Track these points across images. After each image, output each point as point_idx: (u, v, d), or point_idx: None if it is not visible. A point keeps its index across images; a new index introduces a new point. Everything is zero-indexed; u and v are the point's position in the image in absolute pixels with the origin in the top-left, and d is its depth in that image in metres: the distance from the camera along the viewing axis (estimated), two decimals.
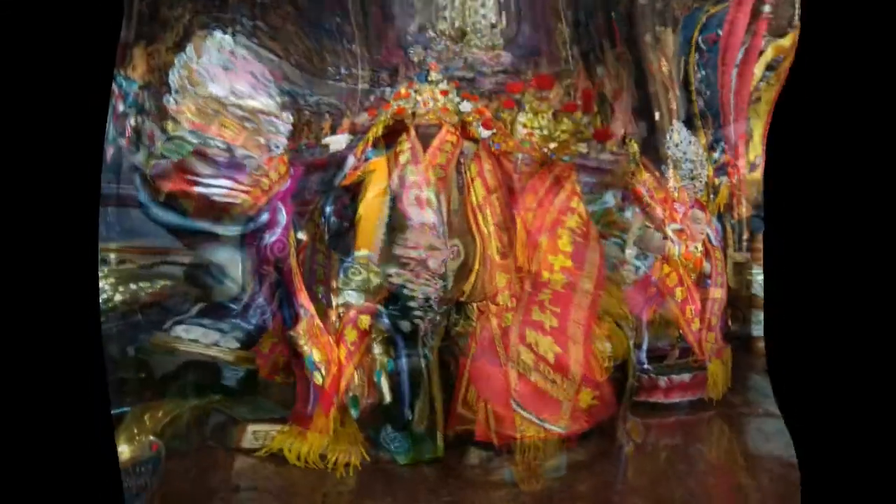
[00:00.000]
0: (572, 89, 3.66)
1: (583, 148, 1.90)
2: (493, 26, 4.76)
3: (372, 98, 4.59)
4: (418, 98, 2.71)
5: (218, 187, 2.27)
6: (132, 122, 2.22)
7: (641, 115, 3.94)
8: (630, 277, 2.37)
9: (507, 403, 1.68)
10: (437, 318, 1.86)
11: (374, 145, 2.91)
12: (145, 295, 2.11)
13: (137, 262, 2.14)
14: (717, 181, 3.20)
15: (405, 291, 1.97)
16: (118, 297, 2.11)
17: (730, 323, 2.98)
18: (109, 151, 1.99)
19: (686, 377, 2.38)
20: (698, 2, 3.51)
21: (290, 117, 2.47)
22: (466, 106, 2.79)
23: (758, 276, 2.66)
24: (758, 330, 2.67)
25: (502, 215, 1.86)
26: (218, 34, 2.29)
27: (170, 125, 2.36)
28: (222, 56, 2.27)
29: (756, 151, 3.10)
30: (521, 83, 1.92)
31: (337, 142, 3.73)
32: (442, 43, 4.72)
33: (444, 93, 2.73)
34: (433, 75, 2.76)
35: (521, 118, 1.85)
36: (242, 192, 2.31)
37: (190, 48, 2.25)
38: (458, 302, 1.91)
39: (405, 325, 1.93)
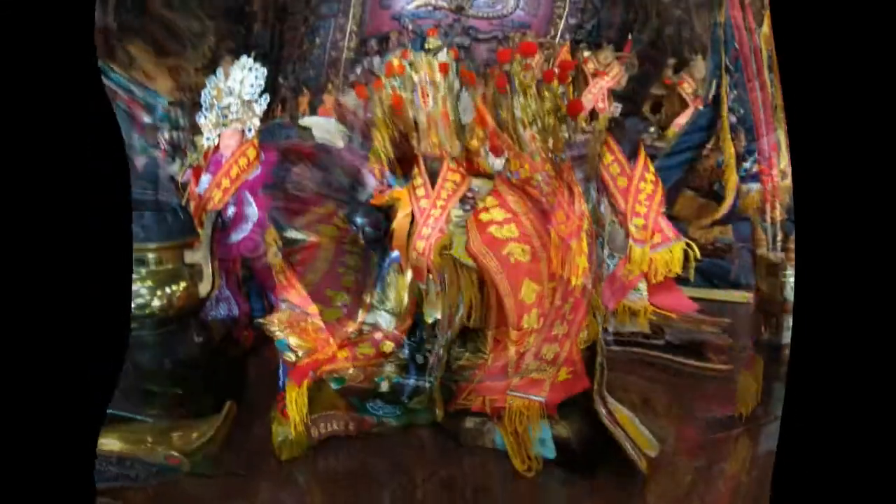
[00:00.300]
0: (552, 58, 3.54)
1: (565, 132, 1.80)
2: (491, 7, 4.76)
3: (358, 70, 4.37)
4: (414, 76, 2.39)
5: (202, 184, 2.31)
6: (166, 135, 2.38)
7: (622, 100, 3.79)
8: (605, 274, 2.32)
9: (504, 394, 1.71)
10: (441, 350, 1.80)
11: (393, 172, 2.90)
12: (176, 299, 2.09)
13: (172, 262, 2.13)
14: (744, 188, 3.07)
15: (418, 316, 1.95)
16: (156, 303, 2.08)
17: (763, 330, 2.72)
18: (140, 161, 2.11)
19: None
20: (712, 16, 3.42)
21: (268, 98, 2.42)
22: (467, 116, 2.45)
23: (790, 278, 2.46)
24: (787, 337, 2.44)
25: (534, 229, 1.78)
26: (243, 58, 2.42)
27: (199, 139, 2.51)
28: (243, 73, 2.38)
29: (786, 159, 2.95)
30: (509, 50, 1.83)
31: (321, 127, 3.25)
32: (440, 14, 4.71)
33: (444, 67, 2.37)
34: (431, 41, 2.48)
35: (517, 106, 1.74)
36: (215, 185, 2.32)
37: (220, 72, 2.40)
38: (465, 331, 1.84)
39: (419, 358, 1.92)
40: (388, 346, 1.85)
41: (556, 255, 1.73)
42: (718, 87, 3.14)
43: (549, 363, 1.70)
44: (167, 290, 2.09)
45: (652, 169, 2.48)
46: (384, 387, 1.85)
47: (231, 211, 2.30)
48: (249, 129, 2.38)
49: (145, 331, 2.00)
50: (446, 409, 1.79)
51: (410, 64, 2.39)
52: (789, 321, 2.41)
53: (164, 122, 2.36)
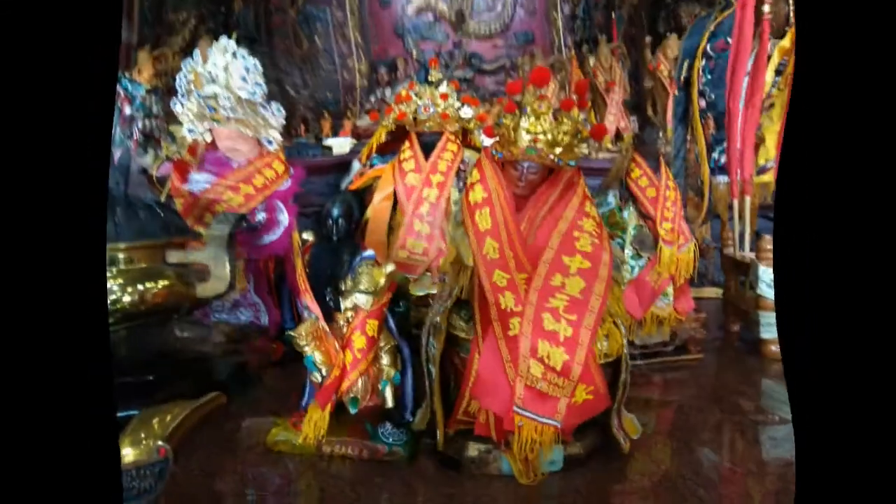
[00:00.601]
0: (567, 83, 3.64)
1: (584, 149, 1.70)
2: (490, 10, 4.75)
3: (373, 99, 4.57)
4: (419, 102, 2.70)
5: (198, 182, 2.18)
6: (140, 125, 2.17)
7: (633, 110, 3.93)
8: (626, 277, 2.32)
9: (509, 409, 1.56)
10: (437, 319, 1.71)
11: (380, 152, 2.87)
12: (151, 296, 2.03)
13: (146, 261, 2.06)
14: (713, 180, 3.20)
15: (403, 290, 1.93)
16: (126, 299, 2.04)
17: (731, 323, 2.95)
18: (117, 154, 1.93)
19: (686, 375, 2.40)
20: (706, 9, 3.48)
21: (281, 109, 2.35)
22: (467, 112, 2.78)
23: (765, 275, 2.57)
24: (768, 332, 2.55)
25: (502, 217, 1.66)
26: (223, 39, 2.23)
27: (175, 128, 2.32)
28: (225, 58, 2.18)
29: (768, 155, 3.07)
30: (521, 81, 1.68)
31: (339, 145, 3.80)
32: (441, 31, 4.67)
33: (444, 97, 2.71)
34: (433, 74, 2.74)
35: (524, 123, 1.62)
36: (228, 187, 2.20)
37: (196, 54, 2.19)
38: (459, 301, 1.76)
39: (408, 327, 1.89)
40: (373, 325, 1.78)
41: (523, 249, 1.64)
42: (690, 67, 3.20)
43: (559, 374, 1.53)
44: (139, 287, 2.03)
45: (672, 177, 2.53)
46: (389, 399, 1.83)
47: (261, 216, 2.28)
48: (270, 142, 2.32)
49: (115, 325, 1.98)
50: (446, 432, 1.70)
51: (416, 94, 2.74)
52: (769, 318, 2.56)
53: (139, 111, 2.15)
